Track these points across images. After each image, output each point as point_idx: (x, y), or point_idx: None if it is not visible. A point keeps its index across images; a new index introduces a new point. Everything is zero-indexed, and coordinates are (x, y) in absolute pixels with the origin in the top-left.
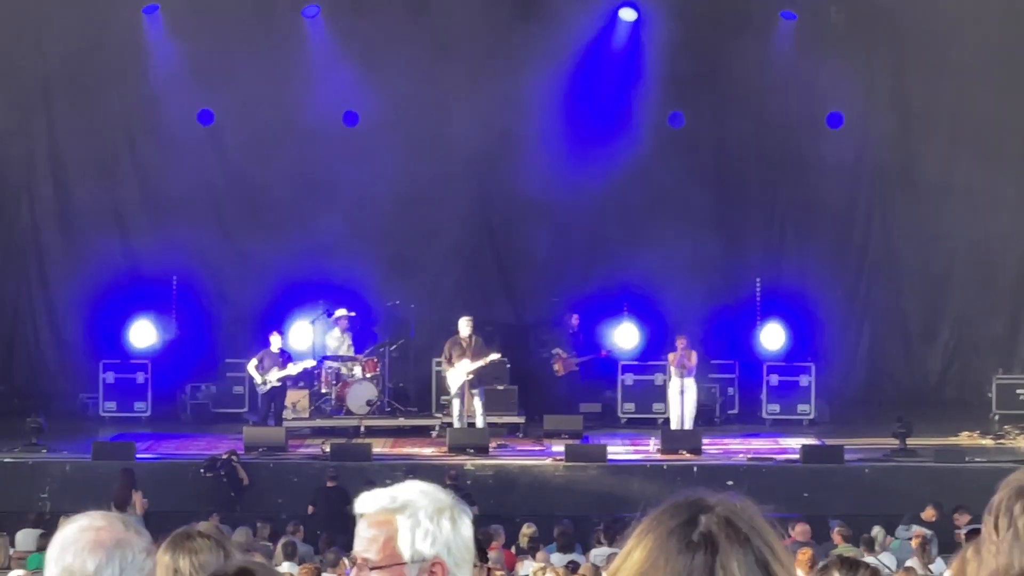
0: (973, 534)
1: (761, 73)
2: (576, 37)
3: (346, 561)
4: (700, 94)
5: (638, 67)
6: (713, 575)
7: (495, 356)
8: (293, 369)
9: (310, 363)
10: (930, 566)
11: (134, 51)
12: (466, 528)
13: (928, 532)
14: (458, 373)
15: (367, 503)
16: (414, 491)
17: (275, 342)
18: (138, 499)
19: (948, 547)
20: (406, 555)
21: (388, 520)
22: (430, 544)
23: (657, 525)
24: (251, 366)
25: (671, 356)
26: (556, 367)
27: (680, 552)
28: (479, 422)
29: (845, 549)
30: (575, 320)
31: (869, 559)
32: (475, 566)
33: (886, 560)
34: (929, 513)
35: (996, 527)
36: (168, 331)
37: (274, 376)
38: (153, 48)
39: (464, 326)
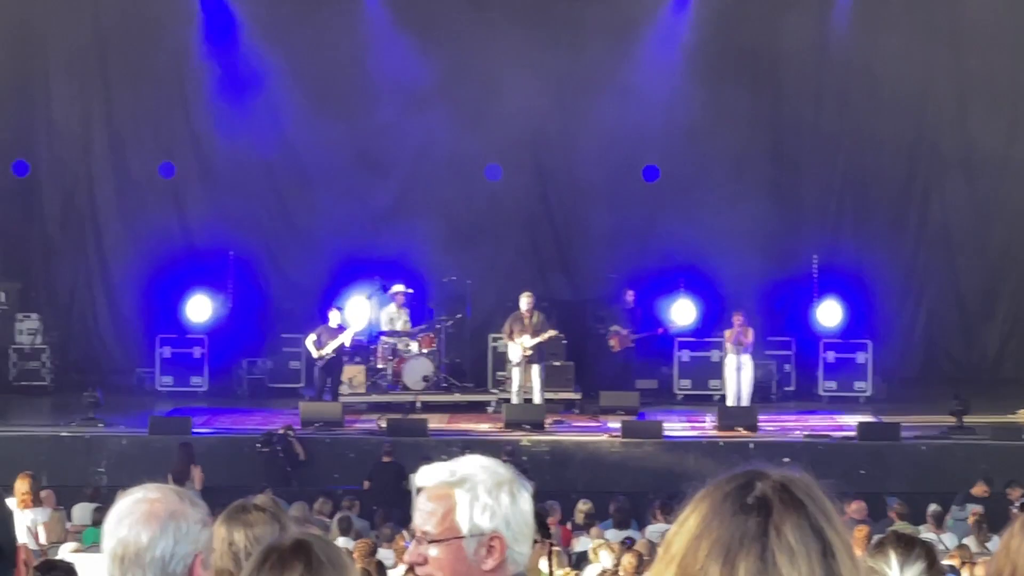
0: None
1: (819, 47)
2: (632, 10)
3: (405, 534)
4: (757, 68)
5: (695, 41)
6: (767, 537)
7: (554, 333)
8: (346, 337)
9: (361, 326)
10: (986, 544)
11: (189, 21)
12: (525, 503)
13: (981, 508)
14: (518, 348)
15: (427, 477)
16: (474, 465)
17: (334, 318)
18: (197, 473)
19: (1002, 521)
20: (464, 529)
21: (447, 494)
22: (489, 518)
23: (713, 491)
24: (309, 341)
25: (728, 333)
26: (612, 343)
27: (734, 514)
28: (537, 398)
29: (902, 527)
30: (631, 296)
31: (930, 535)
32: (537, 542)
33: (947, 539)
34: (980, 488)
35: None
36: (224, 305)
37: (330, 348)
38: (209, 19)
39: (524, 302)
